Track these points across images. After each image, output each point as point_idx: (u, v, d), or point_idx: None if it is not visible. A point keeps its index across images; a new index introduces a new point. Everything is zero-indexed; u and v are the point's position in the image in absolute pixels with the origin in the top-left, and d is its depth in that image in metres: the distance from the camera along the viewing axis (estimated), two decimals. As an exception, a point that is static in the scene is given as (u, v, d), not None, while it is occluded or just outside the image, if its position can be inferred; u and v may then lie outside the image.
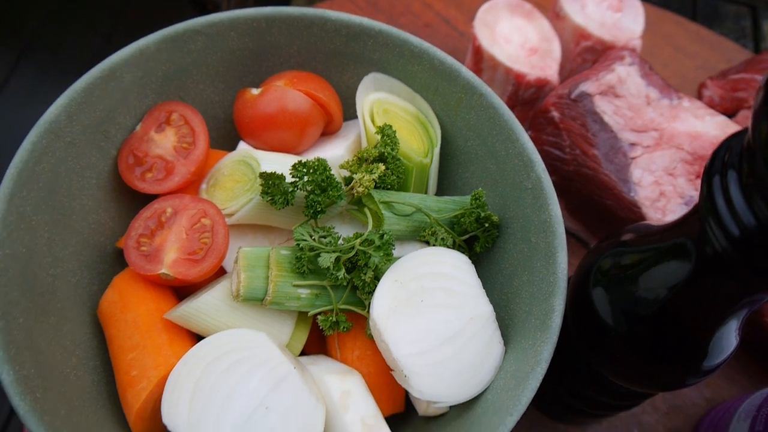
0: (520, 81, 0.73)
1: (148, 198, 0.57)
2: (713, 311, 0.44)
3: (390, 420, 0.56)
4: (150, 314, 0.53)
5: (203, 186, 0.59)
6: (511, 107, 0.77)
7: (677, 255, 0.43)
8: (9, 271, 0.48)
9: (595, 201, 0.68)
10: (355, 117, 0.65)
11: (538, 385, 0.47)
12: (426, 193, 0.62)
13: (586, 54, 0.77)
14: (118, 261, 0.59)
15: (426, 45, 0.59)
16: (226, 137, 0.64)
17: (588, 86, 0.67)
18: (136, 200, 0.59)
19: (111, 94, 0.56)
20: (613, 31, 0.75)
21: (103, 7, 1.63)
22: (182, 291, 0.57)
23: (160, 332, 0.52)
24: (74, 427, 0.46)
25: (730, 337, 0.46)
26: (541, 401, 0.66)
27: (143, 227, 0.55)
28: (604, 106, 0.67)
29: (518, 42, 0.74)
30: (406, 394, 0.57)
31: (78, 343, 0.53)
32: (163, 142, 0.58)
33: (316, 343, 0.58)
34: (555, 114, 0.68)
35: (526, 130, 0.73)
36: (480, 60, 0.74)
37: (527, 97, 0.75)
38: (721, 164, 0.37)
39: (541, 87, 0.73)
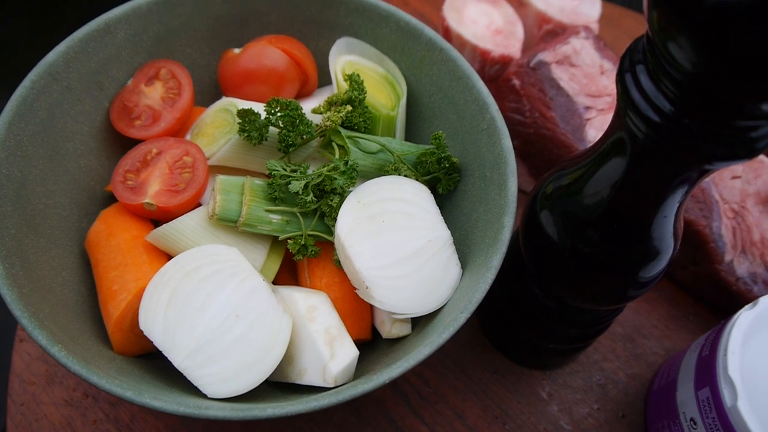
0: (486, 57, 0.79)
1: (137, 145, 0.62)
2: (647, 203, 0.47)
3: (357, 346, 0.59)
4: (133, 239, 0.57)
5: (188, 136, 0.65)
6: (479, 85, 0.83)
7: (605, 159, 0.47)
8: (4, 188, 0.53)
9: (554, 160, 0.73)
10: (330, 83, 0.71)
11: (488, 288, 0.51)
12: (394, 144, 0.67)
13: (548, 37, 0.83)
14: (105, 204, 0.64)
15: (392, 8, 0.65)
16: (211, 99, 0.70)
17: (545, 56, 0.73)
18: (124, 148, 0.64)
19: (106, 48, 0.62)
20: (572, 15, 0.82)
21: None
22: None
23: (141, 253, 0.56)
24: (57, 323, 0.50)
25: (667, 236, 0.50)
26: (505, 345, 0.69)
27: (130, 164, 0.60)
28: (560, 73, 0.73)
29: (484, 24, 0.81)
30: (373, 325, 0.60)
31: (65, 266, 0.57)
32: (152, 94, 0.64)
33: (288, 276, 0.62)
34: (516, 82, 0.73)
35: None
36: (449, 40, 0.81)
37: (492, 74, 0.81)
38: (630, 63, 0.41)
39: (505, 64, 0.79)
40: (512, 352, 0.69)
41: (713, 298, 0.72)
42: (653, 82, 0.39)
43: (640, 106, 0.40)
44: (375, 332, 0.61)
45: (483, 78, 0.82)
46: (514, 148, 0.76)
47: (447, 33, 0.80)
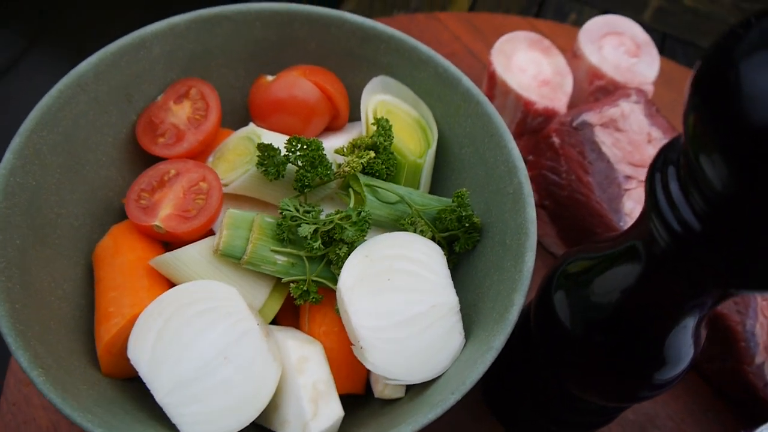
0: (529, 108, 0.75)
1: (158, 162, 0.62)
2: (664, 314, 0.44)
3: (348, 400, 0.57)
4: (137, 260, 0.57)
5: (210, 159, 0.64)
6: (519, 135, 0.80)
7: (628, 257, 0.44)
8: (16, 197, 0.53)
9: (585, 228, 0.69)
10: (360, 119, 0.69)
11: (485, 370, 0.48)
12: (417, 192, 0.64)
13: (599, 93, 0.79)
14: (121, 216, 0.63)
15: (432, 52, 0.63)
16: (240, 121, 0.69)
17: (590, 116, 0.70)
18: (146, 164, 0.63)
19: (139, 62, 0.61)
20: (627, 74, 0.78)
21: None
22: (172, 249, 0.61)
23: (142, 277, 0.56)
24: (45, 344, 0.49)
25: (685, 345, 0.46)
26: (506, 418, 0.66)
27: (146, 183, 0.59)
28: (603, 137, 0.69)
29: (532, 73, 0.77)
30: (368, 379, 0.58)
31: (68, 279, 0.57)
32: (179, 113, 0.63)
33: (289, 317, 0.60)
34: (555, 140, 0.70)
35: (528, 156, 0.75)
36: (493, 85, 0.78)
37: (535, 126, 0.77)
38: (663, 162, 0.38)
39: (548, 117, 0.76)
40: (513, 426, 0.66)
41: (737, 398, 0.67)
42: (682, 190, 0.36)
43: (663, 212, 0.37)
44: (369, 387, 0.59)
45: (524, 129, 0.78)
46: (546, 208, 0.73)
47: (492, 78, 0.77)
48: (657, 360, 0.47)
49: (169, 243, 0.60)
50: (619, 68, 0.78)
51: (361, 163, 0.57)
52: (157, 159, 0.62)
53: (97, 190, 0.62)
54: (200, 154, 0.63)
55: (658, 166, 0.38)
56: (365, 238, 0.55)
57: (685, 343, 0.46)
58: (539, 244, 0.78)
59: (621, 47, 0.79)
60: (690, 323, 0.44)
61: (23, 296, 0.50)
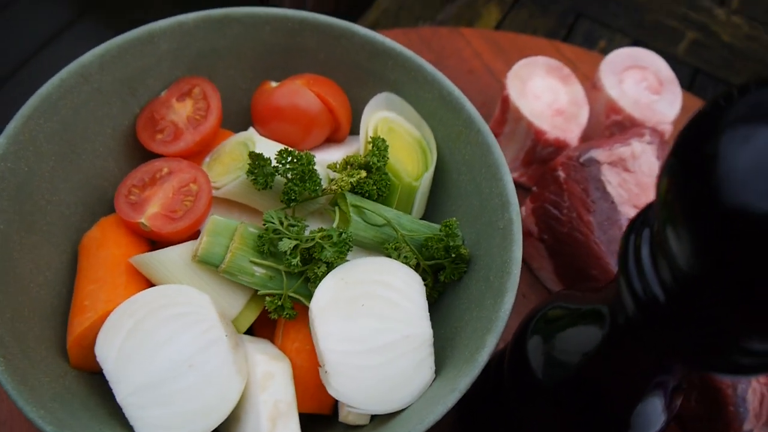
0: (539, 138, 0.74)
1: (154, 157, 0.61)
2: (630, 383, 0.42)
3: (312, 419, 0.56)
4: (120, 256, 0.57)
5: (207, 159, 0.64)
6: (528, 163, 0.78)
7: (593, 319, 0.42)
8: (4, 181, 0.53)
9: (581, 267, 0.67)
10: (367, 133, 0.68)
11: (446, 411, 0.47)
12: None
13: (614, 128, 0.77)
14: (114, 208, 0.64)
15: (438, 74, 0.61)
16: (245, 123, 0.68)
17: (598, 153, 0.67)
18: (142, 158, 0.63)
19: (145, 57, 0.61)
20: (646, 111, 0.75)
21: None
22: (158, 247, 0.61)
23: (122, 273, 0.56)
24: (14, 333, 0.50)
25: (655, 411, 0.44)
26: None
27: (138, 179, 0.59)
28: (610, 176, 0.67)
29: (547, 101, 0.75)
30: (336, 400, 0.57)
31: (51, 266, 0.57)
32: (180, 111, 0.63)
33: (265, 329, 0.60)
34: (561, 173, 0.68)
35: (533, 187, 0.73)
36: (506, 110, 0.76)
37: (544, 156, 0.75)
38: (641, 222, 0.36)
39: (559, 148, 0.74)
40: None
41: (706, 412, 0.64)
42: (652, 257, 0.34)
43: (631, 277, 0.34)
44: (336, 409, 0.58)
45: (533, 158, 0.76)
46: (545, 242, 0.71)
47: (506, 102, 0.76)
48: (625, 424, 0.45)
49: (155, 241, 0.60)
50: (639, 104, 0.75)
51: (351, 182, 0.56)
52: (152, 155, 0.62)
53: (91, 179, 0.62)
54: (198, 153, 0.63)
55: (635, 227, 0.36)
56: (345, 259, 0.54)
57: (654, 410, 0.44)
58: (535, 278, 0.76)
59: (643, 82, 0.76)
60: (660, 392, 0.42)
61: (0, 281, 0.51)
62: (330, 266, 0.54)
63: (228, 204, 0.61)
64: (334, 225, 0.56)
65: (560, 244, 0.69)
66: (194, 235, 0.59)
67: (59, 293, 0.57)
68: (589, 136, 0.79)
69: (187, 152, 0.62)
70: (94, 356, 0.54)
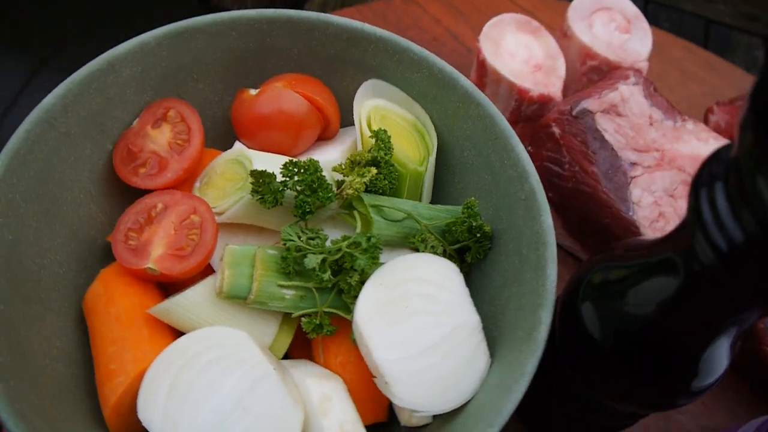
0: (523, 97, 0.72)
1: (141, 193, 0.57)
2: (703, 328, 0.42)
3: (371, 429, 0.54)
4: (133, 308, 0.53)
5: (197, 184, 0.59)
6: (514, 123, 0.76)
7: (665, 270, 0.42)
8: (-7, 256, 0.48)
9: (592, 219, 0.67)
10: (353, 124, 0.65)
11: (520, 397, 0.46)
12: (420, 201, 0.61)
13: (592, 74, 0.76)
14: (107, 255, 0.59)
15: (426, 53, 0.59)
16: (223, 138, 0.64)
17: (590, 103, 0.67)
18: (128, 195, 0.59)
19: (109, 88, 0.56)
20: (619, 52, 0.75)
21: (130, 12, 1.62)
22: (169, 288, 0.57)
23: (141, 327, 0.52)
24: (45, 417, 0.46)
25: (721, 356, 0.45)
26: (534, 426, 0.64)
27: (132, 221, 0.55)
28: (605, 124, 0.66)
29: (523, 58, 0.74)
30: (390, 403, 0.56)
31: (60, 334, 0.53)
32: (158, 138, 0.58)
33: (301, 347, 0.57)
34: (555, 130, 0.67)
35: (527, 146, 0.72)
36: (484, 74, 0.74)
37: (530, 114, 0.74)
38: (708, 176, 0.36)
39: (544, 104, 0.73)
40: (540, 429, 0.64)
41: (756, 377, 0.67)
42: (730, 207, 0.34)
43: (710, 231, 0.35)
44: (391, 411, 0.56)
45: (518, 117, 0.75)
46: (550, 200, 0.71)
47: (482, 66, 0.74)
48: (692, 372, 0.45)
49: (163, 283, 0.56)
50: (612, 46, 0.75)
51: (364, 182, 0.53)
52: (139, 191, 0.57)
53: (78, 231, 0.57)
54: (185, 181, 0.59)
55: (703, 181, 0.36)
56: (379, 263, 0.52)
57: (720, 355, 0.44)
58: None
59: (612, 23, 0.76)
60: (727, 337, 0.43)
61: (16, 367, 0.46)
62: (362, 273, 0.52)
63: (230, 228, 0.58)
64: (357, 230, 0.53)
65: (566, 199, 0.69)
66: (205, 269, 0.55)
67: (76, 361, 0.53)
68: (567, 86, 0.78)
69: (176, 182, 0.58)
70: (135, 420, 0.50)
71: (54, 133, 0.53)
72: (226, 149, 0.63)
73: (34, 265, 0.52)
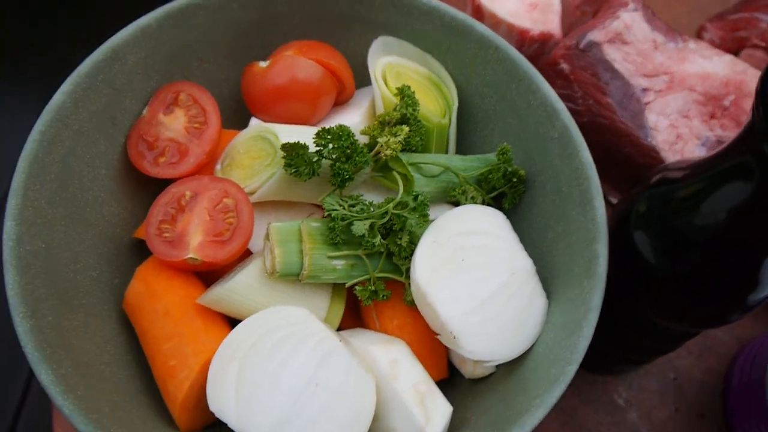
0: (524, 37, 0.71)
1: (161, 185, 0.55)
2: (765, 236, 0.43)
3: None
4: (181, 302, 0.51)
5: (218, 167, 0.57)
6: (515, 65, 0.76)
7: (734, 176, 0.42)
8: (32, 268, 0.46)
9: (611, 151, 0.67)
10: (363, 85, 0.63)
11: (592, 332, 0.46)
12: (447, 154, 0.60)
13: (585, 6, 0.76)
14: (135, 252, 0.57)
15: (435, 2, 0.57)
16: (234, 116, 0.62)
17: (595, 35, 0.66)
18: (148, 188, 0.56)
19: (115, 77, 0.53)
20: (611, -21, 0.74)
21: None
22: (207, 276, 0.55)
23: (194, 318, 0.50)
24: (120, 423, 0.44)
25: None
26: (585, 360, 0.65)
27: (163, 213, 0.53)
28: (613, 54, 0.66)
29: (517, -3, 0.73)
30: (449, 359, 0.56)
31: (108, 338, 0.51)
32: (174, 124, 0.56)
33: (351, 317, 0.57)
34: (564, 66, 0.67)
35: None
36: (481, 19, 0.73)
37: (531, 53, 0.74)
38: None
39: (544, 41, 0.72)
40: (584, 360, 0.65)
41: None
42: None
43: None
44: (451, 366, 0.57)
45: (521, 58, 0.74)
46: (565, 137, 0.71)
47: (478, 12, 0.72)
48: (751, 282, 0.46)
49: (203, 271, 0.54)
50: (603, -25, 0.74)
51: (399, 141, 0.52)
52: (159, 181, 0.55)
53: (103, 231, 0.55)
54: (206, 165, 0.57)
55: None
56: (429, 220, 0.51)
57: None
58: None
59: (599, -48, 0.75)
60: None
61: (80, 379, 0.44)
62: (411, 234, 0.51)
63: (258, 205, 0.56)
64: (400, 190, 0.52)
65: (583, 133, 0.69)
66: (245, 252, 0.54)
67: (128, 363, 0.51)
68: (561, 20, 0.77)
69: (199, 167, 0.55)
70: (205, 413, 0.49)
71: (68, 132, 0.50)
72: (238, 127, 0.61)
73: (70, 271, 0.50)
